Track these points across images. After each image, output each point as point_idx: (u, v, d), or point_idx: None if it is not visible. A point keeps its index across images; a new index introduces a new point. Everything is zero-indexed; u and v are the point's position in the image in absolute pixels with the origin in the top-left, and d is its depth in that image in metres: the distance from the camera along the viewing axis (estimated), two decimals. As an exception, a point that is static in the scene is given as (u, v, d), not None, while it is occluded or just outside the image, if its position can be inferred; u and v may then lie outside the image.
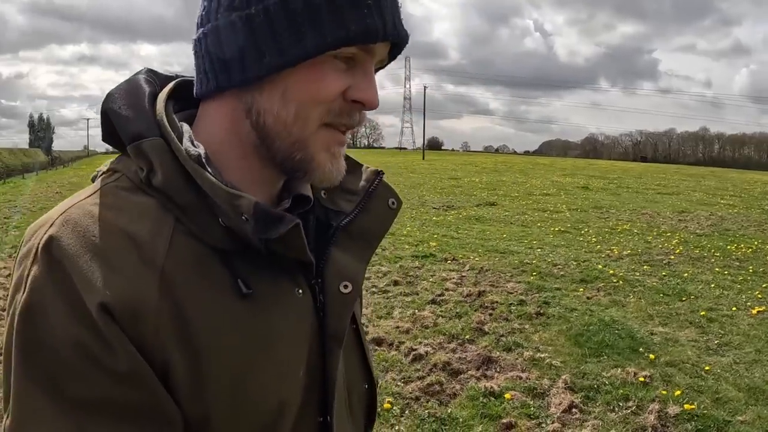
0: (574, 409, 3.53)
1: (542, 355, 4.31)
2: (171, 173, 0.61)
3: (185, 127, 0.65)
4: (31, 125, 65.94)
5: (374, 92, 0.65)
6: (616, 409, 3.55)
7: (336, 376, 0.71)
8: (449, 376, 4.05)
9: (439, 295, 5.87)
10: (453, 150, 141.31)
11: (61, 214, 0.59)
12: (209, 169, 0.61)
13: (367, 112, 0.67)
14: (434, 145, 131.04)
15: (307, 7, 0.59)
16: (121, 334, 0.55)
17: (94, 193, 0.62)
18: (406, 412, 3.57)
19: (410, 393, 3.80)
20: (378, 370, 4.17)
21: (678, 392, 3.69)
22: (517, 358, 4.30)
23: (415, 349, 4.45)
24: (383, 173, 0.77)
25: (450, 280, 6.48)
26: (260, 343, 0.63)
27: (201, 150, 0.62)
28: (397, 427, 3.40)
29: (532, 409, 3.54)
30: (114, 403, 0.54)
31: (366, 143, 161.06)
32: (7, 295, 0.59)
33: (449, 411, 3.55)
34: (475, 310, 5.40)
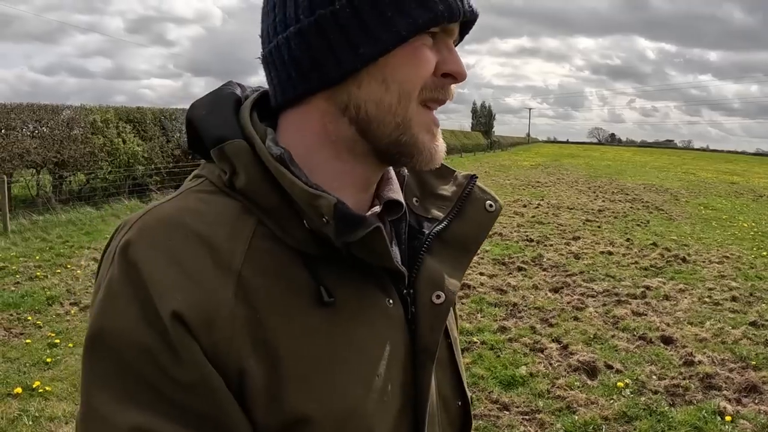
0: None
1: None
2: (254, 175, 0.60)
3: (269, 129, 0.64)
4: (474, 111, 71.09)
5: (462, 64, 0.65)
6: None
7: (428, 392, 0.68)
8: (702, 386, 4.15)
9: (769, 322, 5.46)
10: None
11: (140, 218, 0.59)
12: (292, 169, 0.60)
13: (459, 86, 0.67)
14: None
15: None
16: (192, 343, 0.54)
17: (175, 197, 0.62)
18: (640, 396, 3.98)
19: (654, 385, 4.15)
20: (644, 360, 4.63)
21: None
22: (786, 399, 3.99)
23: (692, 356, 4.61)
24: (477, 177, 0.77)
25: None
26: (339, 354, 0.61)
27: (283, 150, 0.61)
28: (614, 401, 3.91)
29: (747, 438, 3.46)
30: (174, 409, 0.54)
31: None
32: None
33: (672, 410, 3.79)
34: (795, 348, 4.89)
